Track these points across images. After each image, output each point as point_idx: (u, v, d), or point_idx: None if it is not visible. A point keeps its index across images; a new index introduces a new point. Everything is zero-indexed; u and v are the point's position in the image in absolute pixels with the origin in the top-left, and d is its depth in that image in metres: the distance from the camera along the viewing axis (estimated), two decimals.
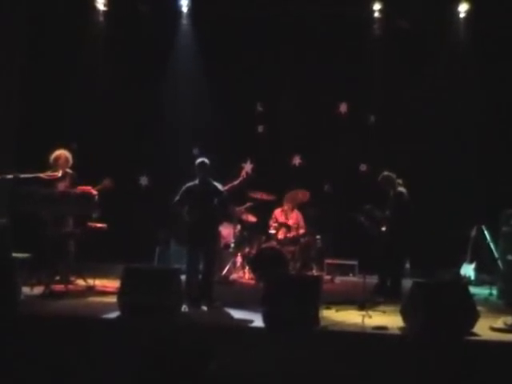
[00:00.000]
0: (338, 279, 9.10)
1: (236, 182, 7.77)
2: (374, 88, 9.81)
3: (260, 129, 10.32)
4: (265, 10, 9.61)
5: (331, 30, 9.70)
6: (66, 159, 7.31)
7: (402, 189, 7.52)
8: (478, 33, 9.51)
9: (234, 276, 8.86)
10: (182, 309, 6.00)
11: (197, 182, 6.76)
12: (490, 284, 7.98)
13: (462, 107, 9.53)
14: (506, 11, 8.99)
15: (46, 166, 7.26)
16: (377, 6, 9.69)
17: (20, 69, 9.35)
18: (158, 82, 9.91)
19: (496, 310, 6.74)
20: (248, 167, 10.00)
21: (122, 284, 5.81)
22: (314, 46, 9.79)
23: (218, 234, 7.21)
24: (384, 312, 6.29)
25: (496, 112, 9.42)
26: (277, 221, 9.07)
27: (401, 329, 5.55)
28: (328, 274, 9.17)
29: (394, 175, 7.58)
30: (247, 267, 8.75)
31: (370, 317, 5.99)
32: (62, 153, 7.31)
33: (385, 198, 7.60)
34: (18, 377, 4.47)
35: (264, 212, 9.16)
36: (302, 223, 9.09)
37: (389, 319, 5.92)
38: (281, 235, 8.85)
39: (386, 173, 7.62)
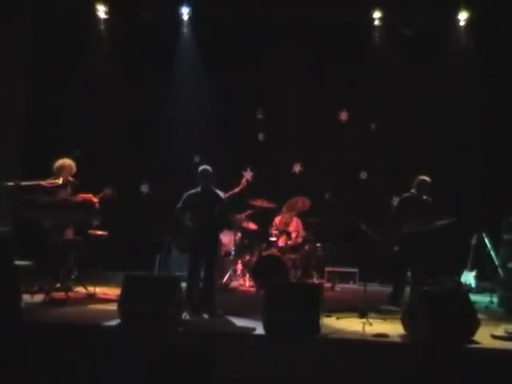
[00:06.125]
0: (339, 287, 9.10)
1: (236, 190, 7.76)
2: (375, 95, 9.83)
3: (260, 136, 10.36)
4: (266, 20, 9.67)
5: (332, 38, 9.70)
6: (71, 168, 7.29)
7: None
8: (477, 39, 9.53)
9: (234, 284, 8.87)
10: (183, 316, 5.98)
11: (199, 189, 6.78)
12: (491, 292, 7.98)
13: (464, 117, 9.55)
14: (506, 17, 9.06)
15: (49, 173, 7.23)
16: (378, 14, 9.71)
17: (24, 77, 9.42)
18: (159, 90, 9.94)
19: (497, 317, 6.73)
20: (248, 175, 10.01)
21: (123, 292, 5.80)
22: (315, 53, 9.80)
23: (218, 242, 7.20)
24: (385, 319, 6.28)
25: (497, 122, 9.45)
26: (277, 228, 9.07)
27: (401, 336, 5.55)
28: (328, 282, 9.17)
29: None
30: (248, 275, 8.75)
31: (371, 324, 5.98)
32: (66, 161, 7.30)
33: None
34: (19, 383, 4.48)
35: (265, 220, 9.17)
36: (301, 231, 9.10)
37: (389, 327, 5.91)
38: (281, 243, 8.84)
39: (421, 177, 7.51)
